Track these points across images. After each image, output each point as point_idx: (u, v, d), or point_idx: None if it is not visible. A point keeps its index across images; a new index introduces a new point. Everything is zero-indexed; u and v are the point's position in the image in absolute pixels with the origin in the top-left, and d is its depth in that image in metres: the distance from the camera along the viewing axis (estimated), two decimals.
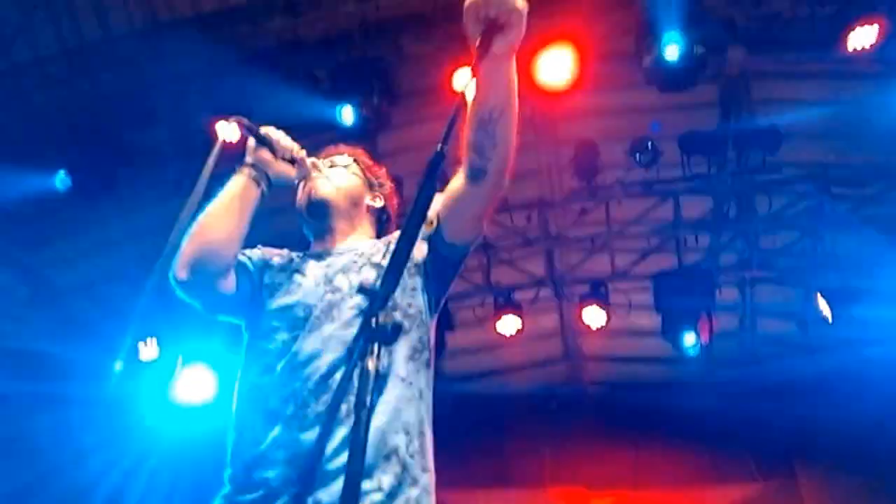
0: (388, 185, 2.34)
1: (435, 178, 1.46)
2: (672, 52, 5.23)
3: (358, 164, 2.28)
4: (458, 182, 1.91)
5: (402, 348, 1.87)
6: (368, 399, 1.27)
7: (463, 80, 5.86)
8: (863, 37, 5.16)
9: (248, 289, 2.00)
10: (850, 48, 5.19)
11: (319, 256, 2.08)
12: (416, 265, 1.98)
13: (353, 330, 1.80)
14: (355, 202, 2.18)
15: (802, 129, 6.07)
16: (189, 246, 1.90)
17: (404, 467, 1.74)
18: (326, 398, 1.73)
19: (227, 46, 6.21)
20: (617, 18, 5.70)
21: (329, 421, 1.66)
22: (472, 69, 1.68)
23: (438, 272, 1.99)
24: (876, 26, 5.12)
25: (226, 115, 5.98)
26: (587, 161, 6.24)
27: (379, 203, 2.25)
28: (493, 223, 6.55)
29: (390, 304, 1.63)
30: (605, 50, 5.82)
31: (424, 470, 1.80)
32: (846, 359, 7.46)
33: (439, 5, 5.83)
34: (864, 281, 6.41)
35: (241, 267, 2.01)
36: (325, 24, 6.05)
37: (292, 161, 2.06)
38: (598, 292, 6.75)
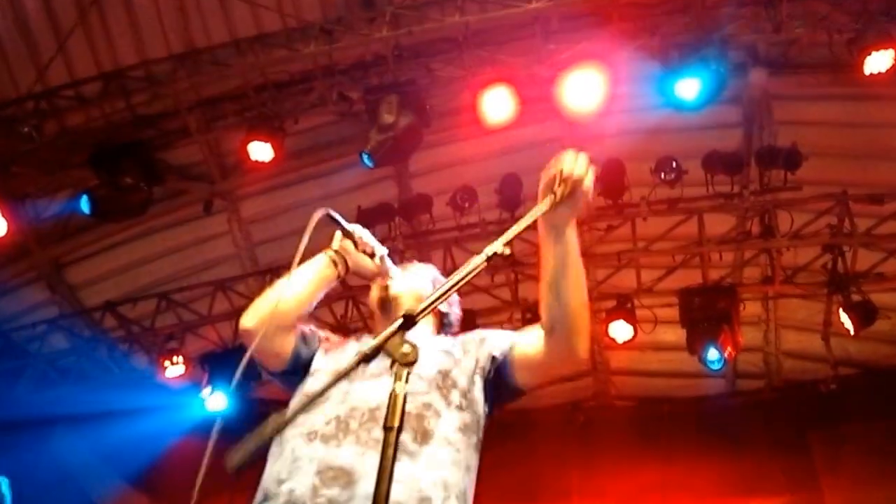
0: (455, 297, 2.42)
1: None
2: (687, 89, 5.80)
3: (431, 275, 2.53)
4: (537, 335, 2.07)
5: (455, 419, 2.00)
6: (396, 421, 1.43)
7: (490, 105, 6.47)
8: (878, 61, 5.76)
9: (303, 355, 2.25)
10: (866, 72, 5.78)
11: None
12: (482, 368, 2.14)
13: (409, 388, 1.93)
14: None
15: (822, 149, 6.67)
16: (261, 300, 2.22)
17: None
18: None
19: (262, 70, 6.84)
20: (641, 43, 6.30)
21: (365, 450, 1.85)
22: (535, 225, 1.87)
23: (497, 392, 2.17)
24: (891, 51, 5.71)
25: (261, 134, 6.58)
26: (614, 180, 6.81)
27: (445, 308, 2.41)
28: (521, 240, 7.10)
29: (450, 380, 2.06)
30: (630, 72, 6.45)
31: None
32: (870, 374, 8.05)
33: (469, 31, 6.45)
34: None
35: (302, 337, 2.26)
36: (359, 48, 6.65)
37: (372, 255, 2.33)
38: (624, 307, 7.30)
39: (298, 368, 2.24)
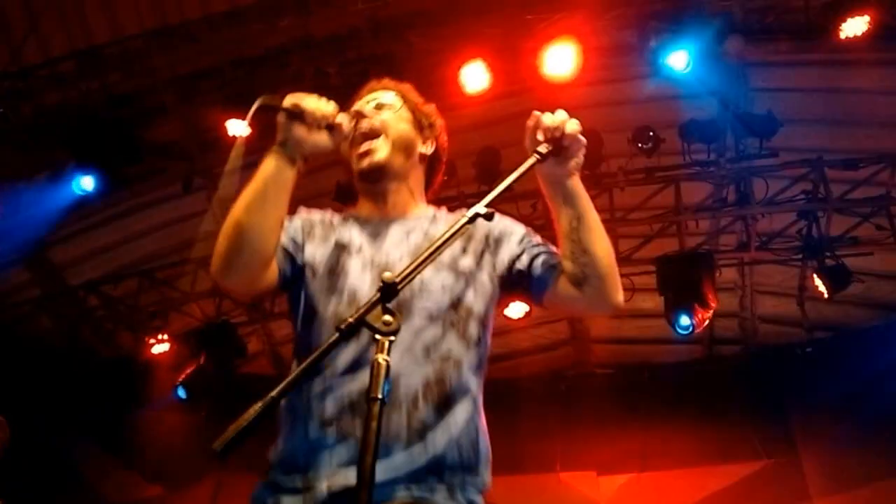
0: (438, 124, 2.23)
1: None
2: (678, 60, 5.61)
3: (406, 103, 2.16)
4: (566, 280, 1.91)
5: (470, 359, 1.87)
6: (380, 392, 1.33)
7: (467, 77, 6.28)
8: (854, 26, 5.59)
9: (289, 272, 1.96)
10: (842, 37, 5.61)
11: (366, 223, 2.05)
12: (500, 276, 1.98)
13: (425, 337, 1.81)
14: (409, 154, 2.10)
15: (798, 115, 6.52)
16: (226, 245, 1.83)
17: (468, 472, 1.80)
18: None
19: (237, 45, 6.58)
20: (618, 12, 6.10)
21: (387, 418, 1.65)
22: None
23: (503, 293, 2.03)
24: (867, 17, 5.55)
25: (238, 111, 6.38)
26: (591, 150, 6.59)
27: (430, 149, 2.16)
28: (500, 212, 6.94)
29: (464, 310, 1.86)
30: (607, 43, 6.25)
31: (480, 484, 1.84)
32: (844, 336, 7.97)
33: (446, 2, 6.23)
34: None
35: (284, 254, 1.95)
36: (335, 21, 6.41)
37: (330, 128, 1.93)
38: None
39: (291, 280, 1.96)
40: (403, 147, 2.07)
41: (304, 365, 1.43)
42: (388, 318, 1.42)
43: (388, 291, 1.45)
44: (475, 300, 1.91)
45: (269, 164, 1.88)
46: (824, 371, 7.65)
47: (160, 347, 7.87)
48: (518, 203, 7.05)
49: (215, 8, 6.53)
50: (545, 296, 1.95)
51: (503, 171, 6.73)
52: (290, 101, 1.89)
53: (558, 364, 8.93)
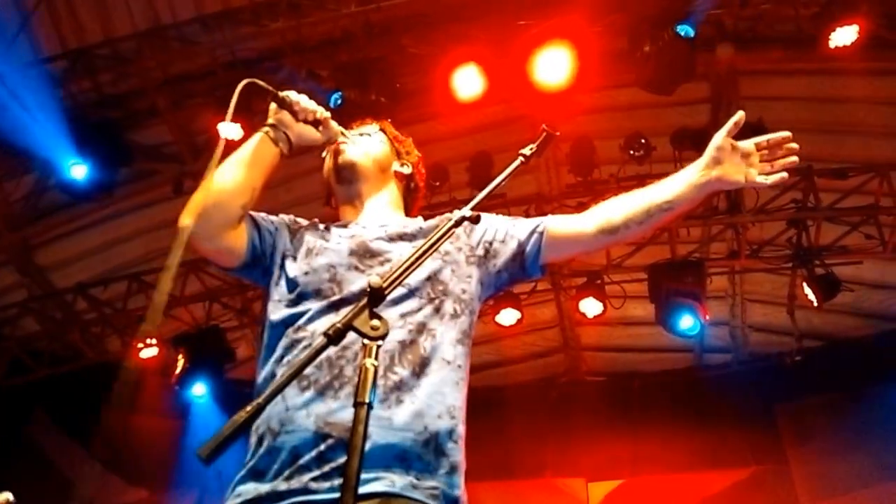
0: (416, 154, 2.37)
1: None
2: None
3: (385, 132, 2.33)
4: (583, 227, 2.11)
5: (451, 331, 1.89)
6: (367, 396, 1.32)
7: (460, 82, 6.28)
8: (843, 36, 5.66)
9: (259, 246, 2.00)
10: (831, 46, 5.68)
11: (345, 226, 2.11)
12: (478, 256, 2.05)
13: (401, 307, 1.85)
14: (383, 168, 2.23)
15: (788, 125, 6.57)
16: (199, 194, 1.91)
17: (442, 453, 1.76)
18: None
19: (230, 47, 6.59)
20: (611, 19, 6.16)
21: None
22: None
23: (503, 279, 2.11)
24: (855, 26, 5.62)
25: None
26: (583, 157, 6.66)
27: (407, 170, 2.29)
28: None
29: (440, 285, 1.91)
30: (600, 49, 6.29)
31: (460, 462, 1.82)
32: (834, 345, 8.02)
33: (440, 6, 6.26)
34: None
35: (255, 226, 2.01)
36: (328, 24, 6.43)
37: (315, 123, 2.07)
38: (594, 283, 7.17)
39: (259, 258, 2.01)
40: (377, 159, 2.20)
41: (290, 371, 1.44)
42: (375, 322, 1.42)
43: (376, 296, 1.44)
44: (451, 278, 1.96)
45: (256, 138, 2.01)
46: (813, 379, 7.70)
47: (148, 352, 7.81)
48: (511, 209, 7.09)
49: (207, 9, 6.53)
50: (545, 250, 2.07)
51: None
52: (281, 93, 2.04)
53: (549, 372, 8.93)
